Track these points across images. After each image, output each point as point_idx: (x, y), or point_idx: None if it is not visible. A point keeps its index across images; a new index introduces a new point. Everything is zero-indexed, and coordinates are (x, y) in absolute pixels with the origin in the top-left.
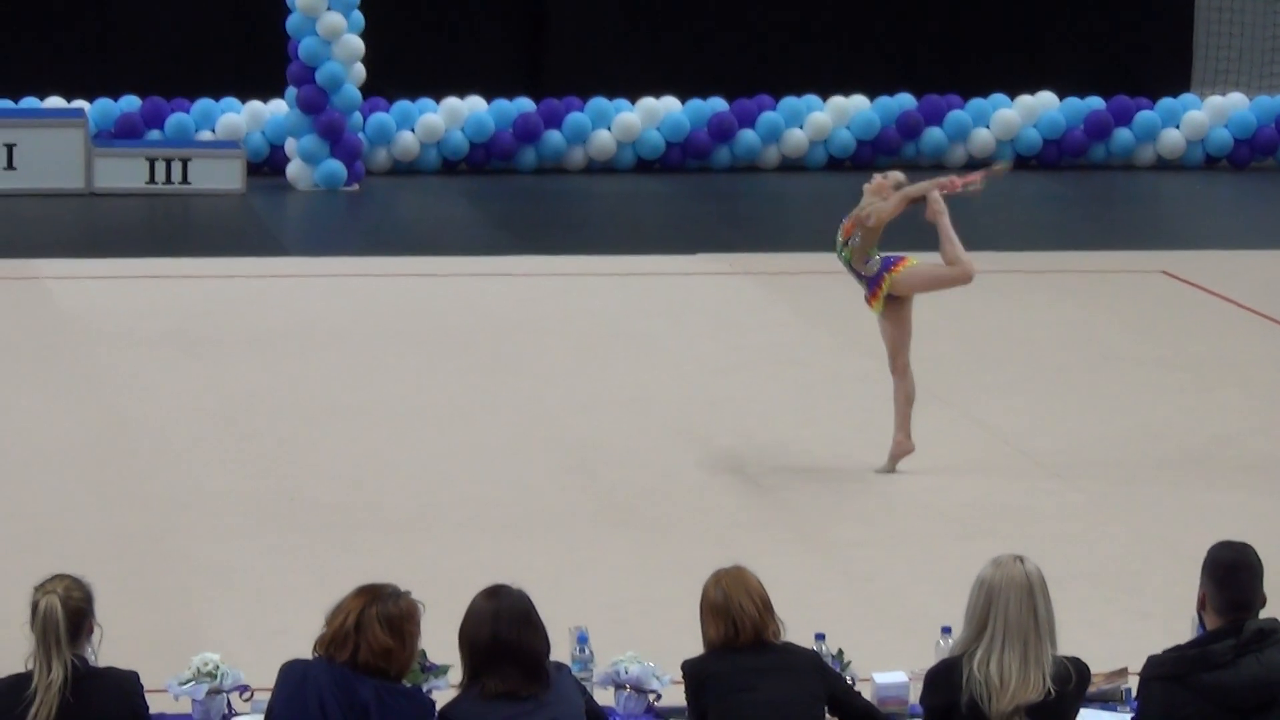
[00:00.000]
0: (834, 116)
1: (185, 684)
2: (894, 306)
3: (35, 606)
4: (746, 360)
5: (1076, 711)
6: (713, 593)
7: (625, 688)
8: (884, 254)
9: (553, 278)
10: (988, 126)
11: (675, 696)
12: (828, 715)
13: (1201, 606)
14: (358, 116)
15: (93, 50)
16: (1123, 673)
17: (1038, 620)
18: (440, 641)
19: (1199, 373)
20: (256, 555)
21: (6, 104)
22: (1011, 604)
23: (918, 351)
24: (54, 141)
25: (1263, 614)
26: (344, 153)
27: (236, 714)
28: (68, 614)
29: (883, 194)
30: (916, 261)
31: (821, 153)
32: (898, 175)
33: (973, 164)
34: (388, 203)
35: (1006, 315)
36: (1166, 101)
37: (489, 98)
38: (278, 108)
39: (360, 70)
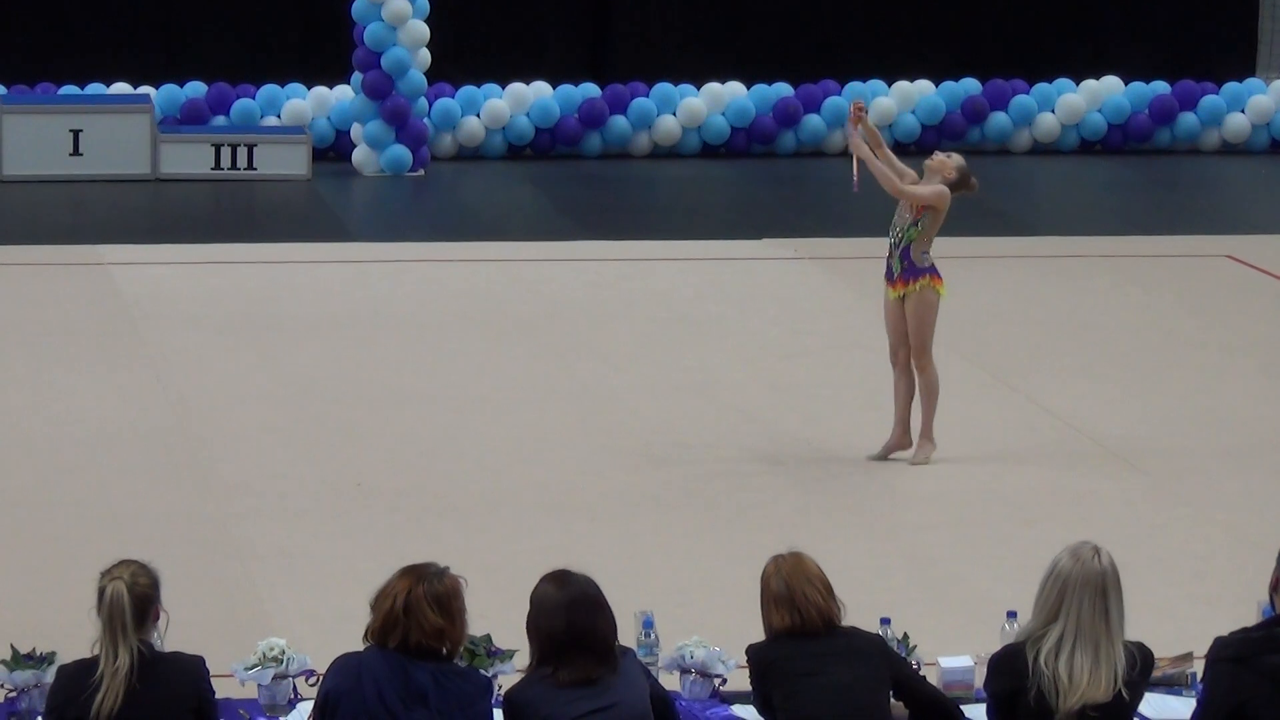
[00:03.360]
0: (899, 101)
1: (251, 669)
2: (915, 299)
3: (102, 592)
4: (811, 345)
5: (1141, 697)
6: (774, 583)
7: (690, 672)
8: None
9: (617, 263)
10: (1053, 111)
11: (740, 681)
12: (893, 699)
13: (1275, 588)
14: (423, 102)
15: (159, 36)
16: (1187, 657)
17: (1109, 620)
18: (507, 624)
19: (1265, 357)
20: (322, 540)
21: (73, 90)
22: (1086, 601)
23: (983, 336)
24: (120, 127)
25: None
26: (409, 138)
27: (302, 698)
28: (134, 600)
29: (945, 173)
30: (940, 297)
31: (887, 137)
32: (959, 159)
33: (1038, 148)
34: (453, 188)
35: (1071, 300)
36: (1231, 86)
37: (554, 83)
38: (343, 93)
39: (425, 55)
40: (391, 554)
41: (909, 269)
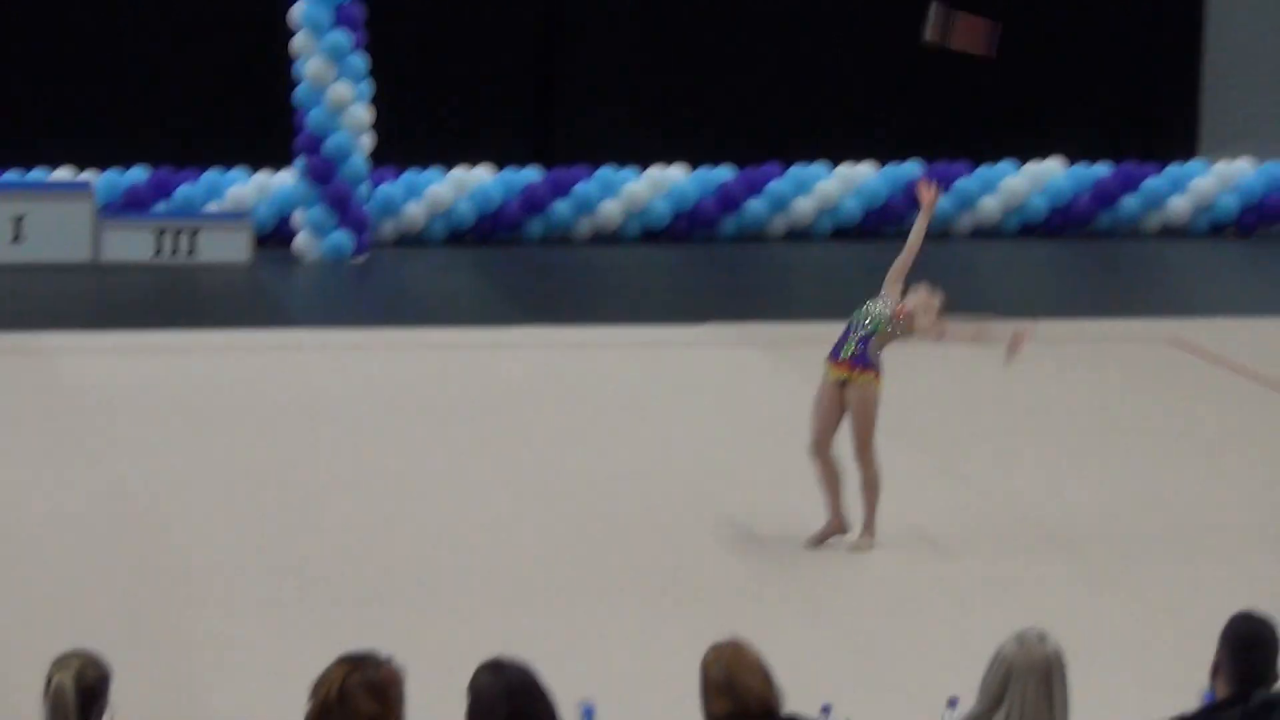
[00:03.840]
0: (841, 185)
1: None
2: (857, 391)
3: (48, 683)
4: (754, 430)
5: None
6: (714, 671)
7: None
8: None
9: (560, 348)
10: (994, 194)
11: None
12: None
13: (1215, 674)
14: (365, 188)
15: (101, 122)
16: None
17: (1053, 706)
18: (448, 717)
19: (1206, 441)
20: (265, 630)
21: (14, 176)
22: (1030, 687)
23: (924, 420)
24: (61, 213)
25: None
26: (351, 224)
27: None
28: (79, 693)
29: (929, 311)
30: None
31: (827, 222)
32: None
33: (979, 232)
34: (395, 274)
35: (1013, 383)
36: (1173, 168)
37: (496, 168)
38: (285, 179)
39: (367, 141)
40: (335, 642)
41: (860, 358)
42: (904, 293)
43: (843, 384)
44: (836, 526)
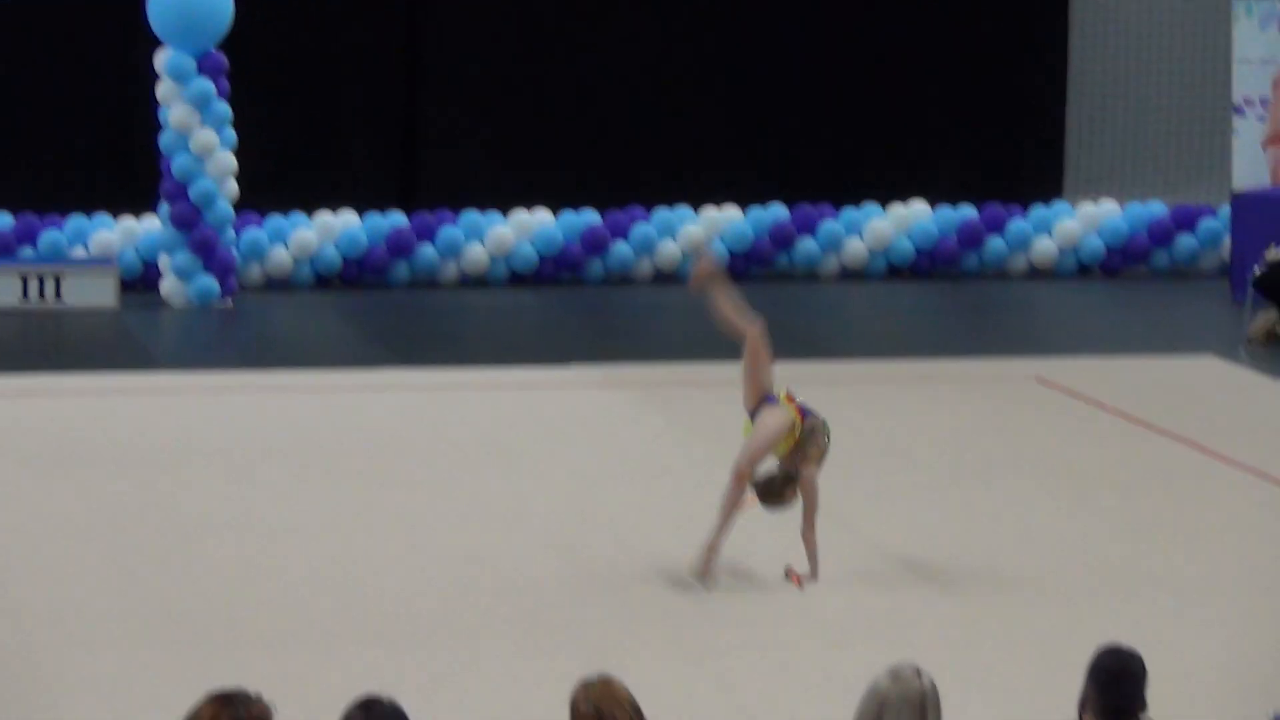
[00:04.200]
0: (707, 228)
1: None
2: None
3: None
4: (620, 471)
5: None
6: (583, 706)
7: None
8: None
9: (426, 391)
10: (861, 236)
11: None
12: None
13: (1083, 708)
14: (230, 232)
15: None
16: None
17: None
18: None
19: (1073, 478)
20: (129, 671)
21: None
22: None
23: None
24: None
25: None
26: (217, 269)
27: None
28: None
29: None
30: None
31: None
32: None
33: (845, 274)
34: (261, 318)
35: (880, 423)
36: (1039, 209)
37: (361, 212)
38: (151, 224)
39: (233, 186)
40: (202, 683)
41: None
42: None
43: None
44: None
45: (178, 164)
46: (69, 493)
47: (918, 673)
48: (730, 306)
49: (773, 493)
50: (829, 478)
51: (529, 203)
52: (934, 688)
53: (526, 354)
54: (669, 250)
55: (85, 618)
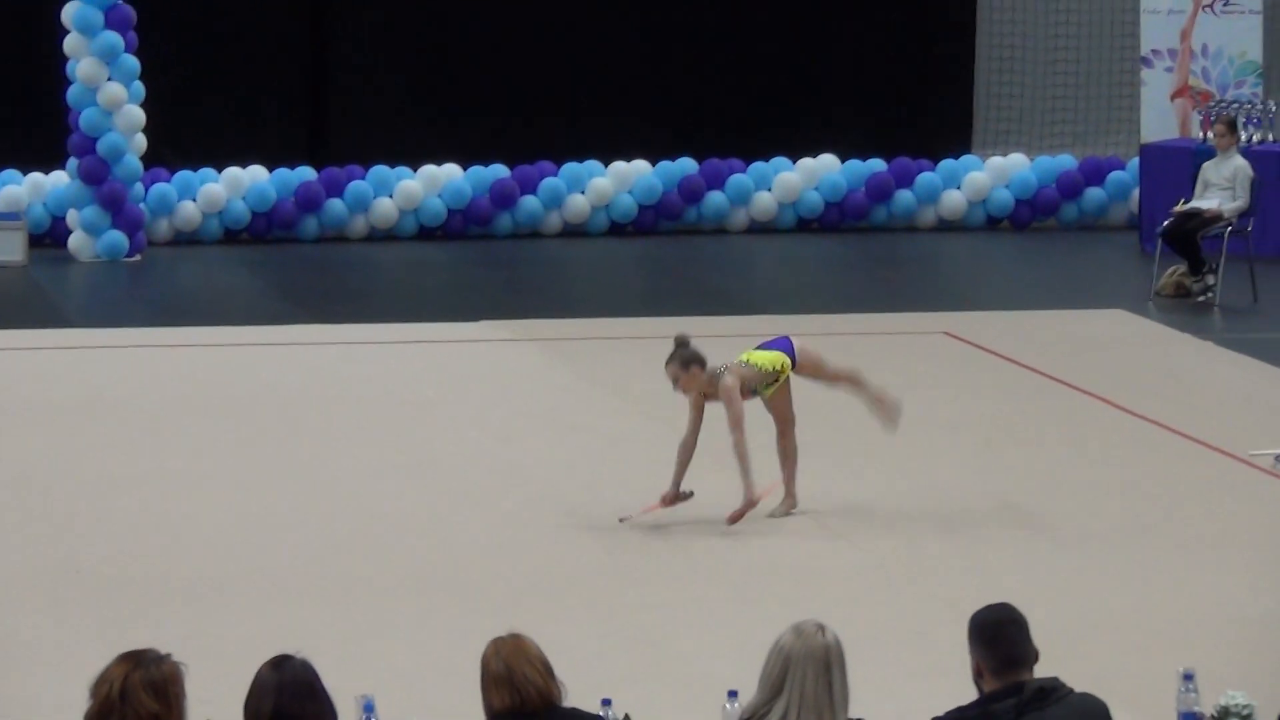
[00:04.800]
0: (615, 182)
1: None
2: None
3: None
4: (530, 425)
5: None
6: (494, 664)
7: None
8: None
9: (336, 346)
10: (770, 190)
11: None
12: None
13: (978, 675)
14: (139, 187)
15: None
16: None
17: (833, 694)
18: (230, 715)
19: (982, 431)
20: (42, 628)
21: None
22: (809, 676)
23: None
24: None
25: (1039, 672)
26: (126, 223)
27: None
28: None
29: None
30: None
31: (603, 218)
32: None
33: (755, 226)
34: (169, 273)
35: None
36: (948, 163)
37: (270, 167)
38: (59, 179)
39: (141, 140)
40: (112, 640)
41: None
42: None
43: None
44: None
45: (86, 118)
46: None
47: (821, 628)
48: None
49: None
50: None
51: (438, 157)
52: (838, 642)
53: (435, 309)
54: (578, 204)
55: None
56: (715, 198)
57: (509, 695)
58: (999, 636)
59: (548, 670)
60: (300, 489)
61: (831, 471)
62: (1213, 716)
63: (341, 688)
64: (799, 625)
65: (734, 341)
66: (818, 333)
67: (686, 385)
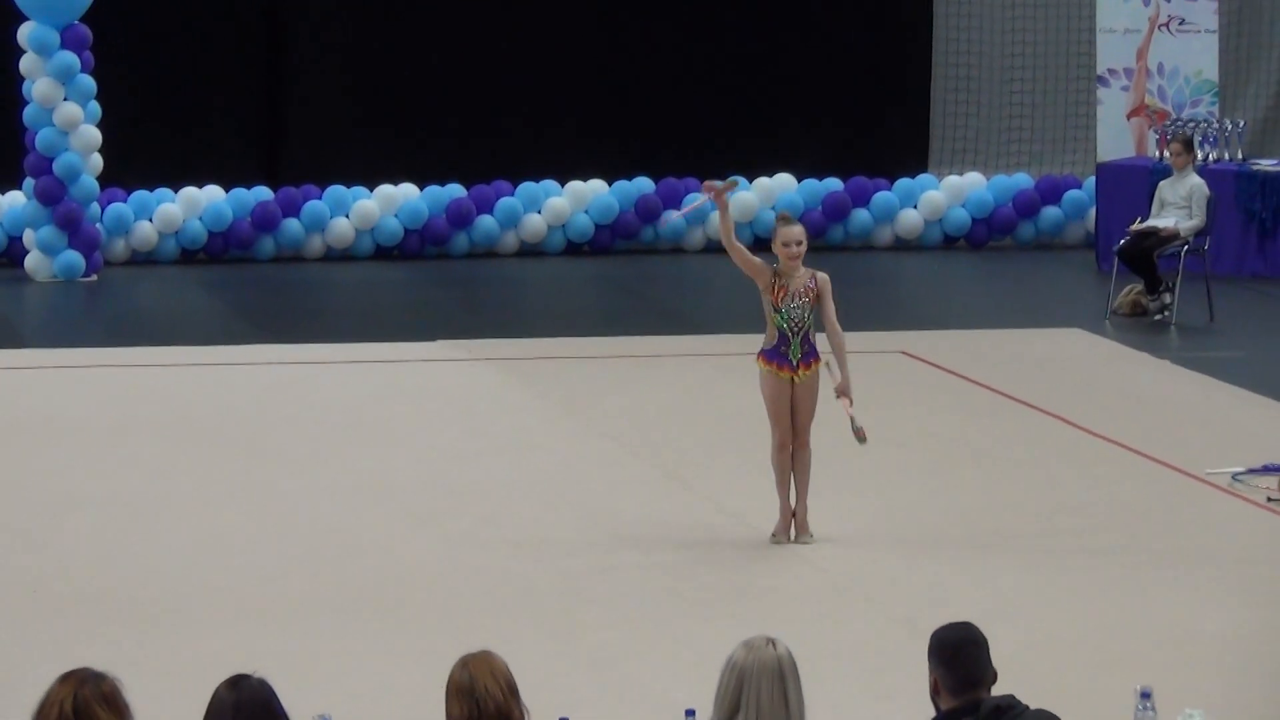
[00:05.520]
0: (572, 201)
1: None
2: (806, 381)
3: None
4: (487, 445)
5: None
6: (459, 675)
7: None
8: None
9: (292, 366)
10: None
11: None
12: None
13: (935, 692)
14: (95, 207)
15: None
16: None
17: (789, 706)
18: None
19: (938, 451)
20: None
21: None
22: (763, 689)
23: (658, 435)
24: None
25: (996, 690)
26: (82, 243)
27: None
28: None
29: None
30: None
31: (560, 237)
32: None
33: (711, 246)
34: (126, 293)
35: (750, 398)
36: (904, 182)
37: (227, 187)
38: (15, 199)
39: (97, 160)
40: (67, 660)
41: (810, 351)
42: (774, 270)
43: (793, 381)
44: (791, 519)
45: (42, 138)
46: None
47: (772, 642)
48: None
49: None
50: (694, 456)
51: (394, 177)
52: (790, 654)
53: (392, 328)
54: (534, 224)
55: None
56: (672, 219)
57: (467, 706)
58: (959, 656)
59: (511, 689)
60: (256, 509)
61: None
62: None
63: (298, 707)
64: (749, 641)
65: (691, 361)
66: None
67: (801, 254)
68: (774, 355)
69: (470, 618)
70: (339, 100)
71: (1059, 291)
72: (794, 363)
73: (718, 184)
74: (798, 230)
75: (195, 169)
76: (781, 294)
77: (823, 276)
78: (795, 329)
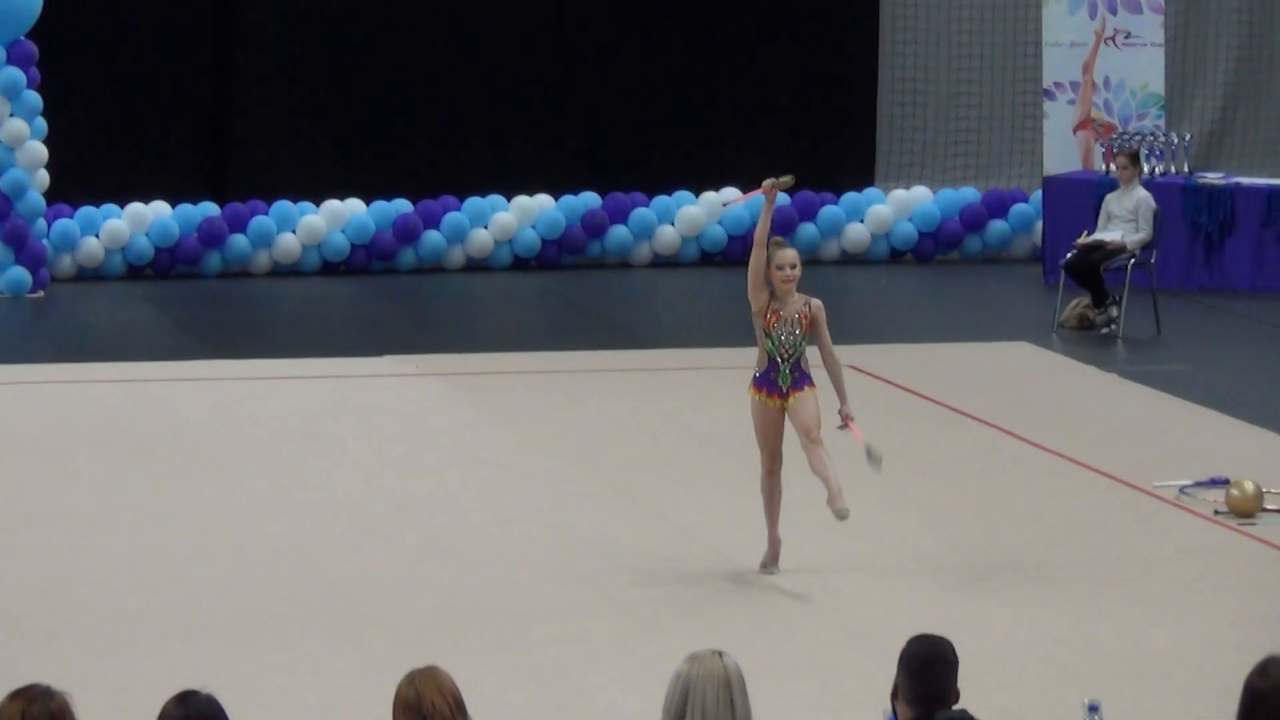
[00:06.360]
0: (518, 216)
1: None
2: (799, 403)
3: None
4: (435, 460)
5: None
6: (405, 690)
7: None
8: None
9: (240, 381)
10: (673, 224)
11: None
12: None
13: (895, 696)
14: (42, 223)
15: None
16: None
17: (735, 713)
18: None
19: (887, 466)
20: None
21: None
22: (709, 697)
23: (606, 449)
24: None
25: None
26: (28, 260)
27: None
28: None
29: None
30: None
31: (506, 252)
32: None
33: (658, 261)
34: (73, 309)
35: (696, 412)
36: (851, 196)
37: (173, 202)
38: None
39: (44, 176)
40: (12, 677)
41: (802, 378)
42: (771, 294)
43: (783, 409)
44: (777, 548)
45: None
46: None
47: (718, 654)
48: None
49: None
50: (643, 470)
51: (341, 192)
52: (736, 666)
53: (339, 343)
54: (481, 239)
55: None
56: (618, 232)
57: None
58: (925, 673)
59: (458, 704)
60: (204, 524)
61: (736, 505)
62: None
63: None
64: (695, 654)
65: (639, 375)
66: (723, 366)
67: (796, 279)
68: (764, 382)
69: (418, 632)
70: (286, 115)
71: (1006, 305)
72: (784, 389)
73: (783, 180)
74: (792, 254)
75: (142, 185)
76: (774, 319)
77: (816, 303)
78: (785, 355)
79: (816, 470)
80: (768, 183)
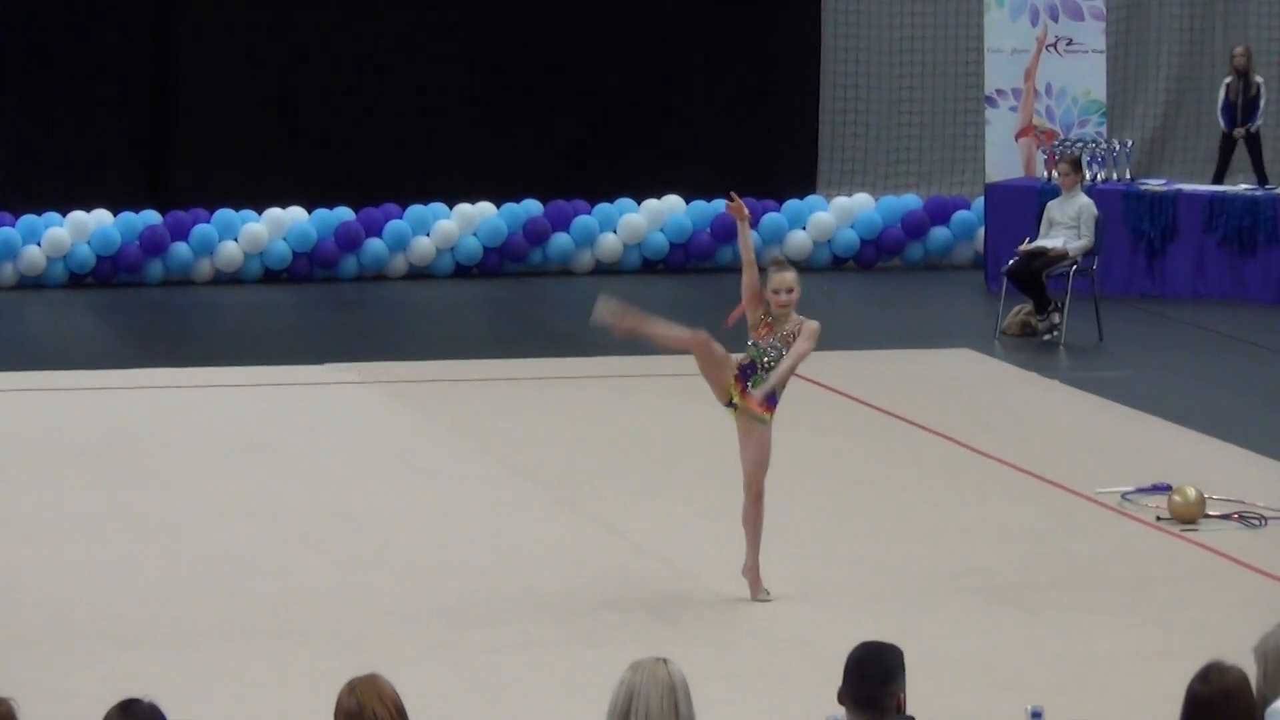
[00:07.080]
0: (460, 224)
1: None
2: (763, 430)
3: None
4: (376, 469)
5: None
6: (346, 700)
7: None
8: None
9: (181, 390)
10: (615, 231)
11: None
12: None
13: (840, 701)
14: None
15: None
16: None
17: (679, 716)
18: None
19: (829, 473)
20: None
21: None
22: (653, 703)
23: (549, 457)
24: None
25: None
26: None
27: None
28: None
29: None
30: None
31: (449, 260)
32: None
33: (600, 268)
34: (14, 317)
35: (637, 420)
36: (793, 203)
37: (115, 210)
38: None
39: None
40: None
41: (773, 397)
42: (765, 308)
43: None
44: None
45: None
46: None
47: (663, 661)
48: (660, 327)
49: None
50: (585, 478)
51: (282, 200)
52: (681, 675)
53: (280, 351)
54: (423, 247)
55: None
56: (560, 239)
57: None
58: (854, 674)
59: (400, 712)
60: (145, 533)
61: (679, 512)
62: None
63: None
64: (639, 661)
65: (580, 383)
66: (665, 374)
67: (793, 302)
68: (742, 375)
69: (358, 641)
70: (227, 122)
71: (948, 312)
72: (750, 389)
73: (740, 205)
74: (789, 277)
75: (83, 192)
76: (765, 331)
77: (810, 326)
78: (765, 365)
79: (745, 524)
80: (730, 205)
